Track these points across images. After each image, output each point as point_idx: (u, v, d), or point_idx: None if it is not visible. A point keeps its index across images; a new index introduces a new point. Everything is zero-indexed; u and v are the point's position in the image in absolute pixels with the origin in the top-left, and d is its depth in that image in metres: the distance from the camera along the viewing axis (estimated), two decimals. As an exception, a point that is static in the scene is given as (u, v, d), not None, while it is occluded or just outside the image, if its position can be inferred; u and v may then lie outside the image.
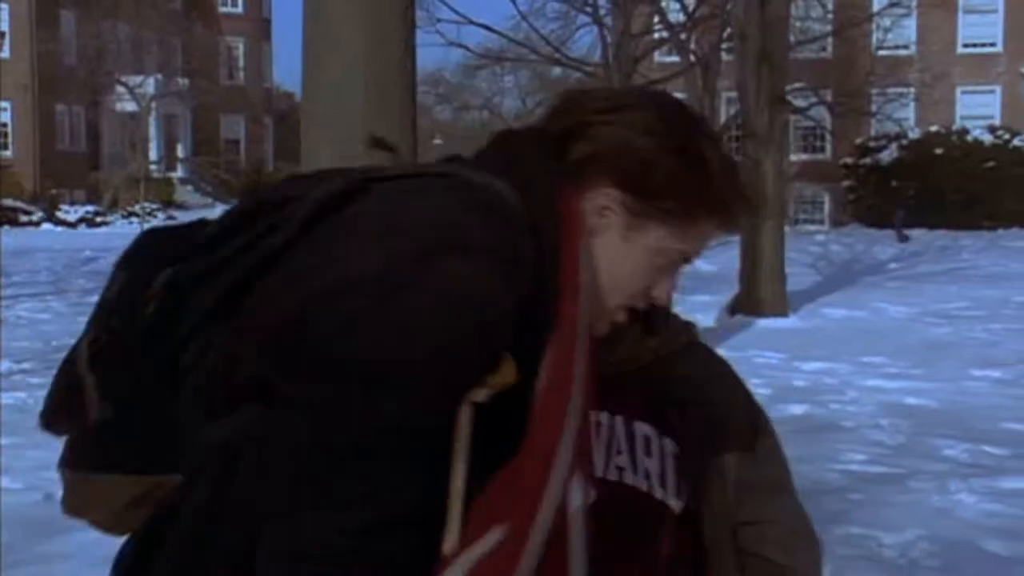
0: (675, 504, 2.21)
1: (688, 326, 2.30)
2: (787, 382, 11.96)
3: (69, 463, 1.68)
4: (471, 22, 35.09)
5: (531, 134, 1.75)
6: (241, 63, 72.45)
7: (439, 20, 35.62)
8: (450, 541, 1.56)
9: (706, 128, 1.80)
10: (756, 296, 17.39)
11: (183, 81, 63.79)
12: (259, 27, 73.51)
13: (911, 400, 11.04)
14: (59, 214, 51.91)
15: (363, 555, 1.49)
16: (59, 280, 23.35)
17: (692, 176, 1.72)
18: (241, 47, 72.27)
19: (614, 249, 1.74)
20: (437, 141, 75.99)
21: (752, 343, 14.63)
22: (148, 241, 1.74)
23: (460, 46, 37.68)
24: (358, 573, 1.49)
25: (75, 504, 1.71)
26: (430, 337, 1.48)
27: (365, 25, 6.71)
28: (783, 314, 17.46)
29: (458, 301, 1.50)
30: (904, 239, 38.18)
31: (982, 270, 26.32)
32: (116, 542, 1.68)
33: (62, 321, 16.93)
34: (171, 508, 1.61)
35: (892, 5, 40.92)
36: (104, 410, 1.63)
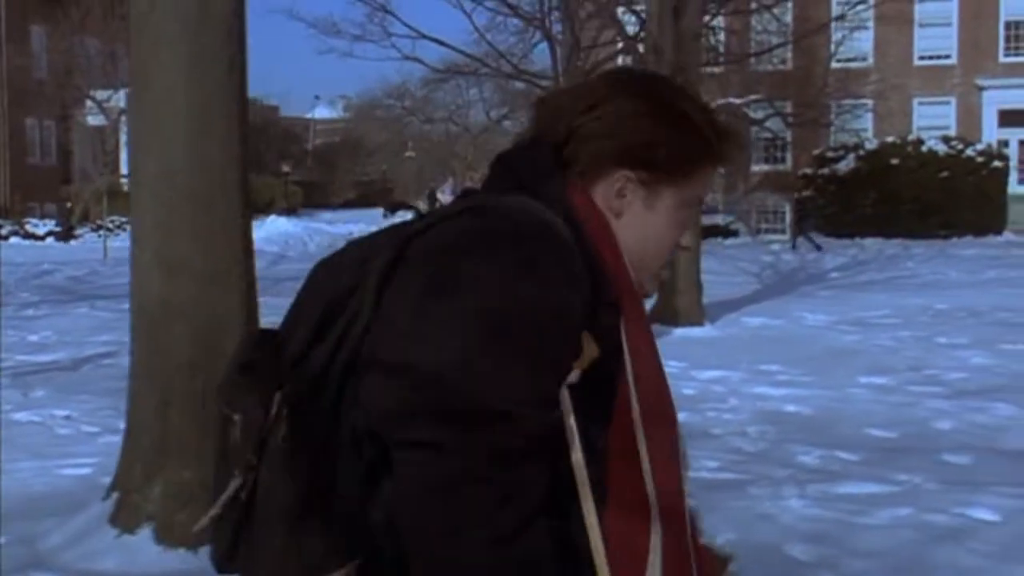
0: None
1: None
2: (678, 391, 11.99)
3: None
4: (423, 36, 35.15)
5: (530, 150, 1.98)
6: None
7: (391, 35, 35.64)
8: (589, 510, 1.81)
9: (676, 86, 2.04)
10: (672, 306, 17.59)
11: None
12: (233, 42, 73.53)
13: (790, 407, 11.25)
14: (28, 227, 51.94)
15: (519, 554, 1.70)
16: (7, 293, 23.44)
17: (686, 136, 1.95)
18: (212, 60, 72.20)
19: (643, 220, 1.97)
20: (409, 154, 76.22)
21: (662, 353, 14.76)
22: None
23: (415, 60, 37.67)
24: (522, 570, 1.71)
25: None
26: (522, 370, 1.72)
27: (187, 45, 6.89)
28: (699, 323, 17.66)
29: (532, 326, 1.73)
30: (818, 248, 38.82)
31: (920, 279, 26.49)
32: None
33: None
34: None
35: (838, 19, 41.21)
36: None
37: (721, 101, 41.02)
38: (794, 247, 40.35)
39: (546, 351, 1.74)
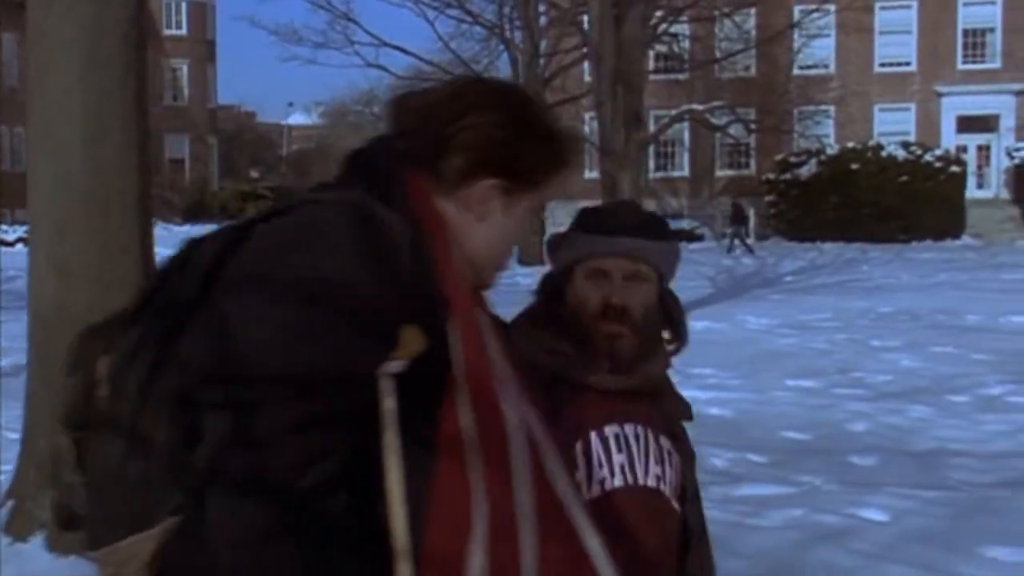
0: (679, 511, 2.50)
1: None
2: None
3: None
4: (384, 44, 35.35)
5: (381, 151, 2.06)
6: (185, 84, 72.59)
7: (353, 43, 35.77)
8: (395, 492, 1.88)
9: (530, 96, 2.15)
10: (613, 309, 17.75)
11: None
12: (203, 49, 73.77)
13: (713, 410, 11.30)
14: (-1, 234, 51.87)
15: (301, 518, 1.82)
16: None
17: (544, 146, 2.07)
18: (185, 68, 72.52)
19: (500, 224, 2.07)
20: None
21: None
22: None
23: (379, 67, 37.83)
24: (296, 531, 1.82)
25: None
26: (305, 340, 1.81)
27: (83, 50, 6.95)
28: (641, 328, 17.78)
29: (318, 297, 1.82)
30: (750, 251, 39.36)
31: (872, 282, 26.73)
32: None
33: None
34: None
35: (795, 26, 41.57)
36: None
37: (684, 107, 41.30)
38: (730, 250, 40.82)
39: (353, 330, 1.84)
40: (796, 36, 45.70)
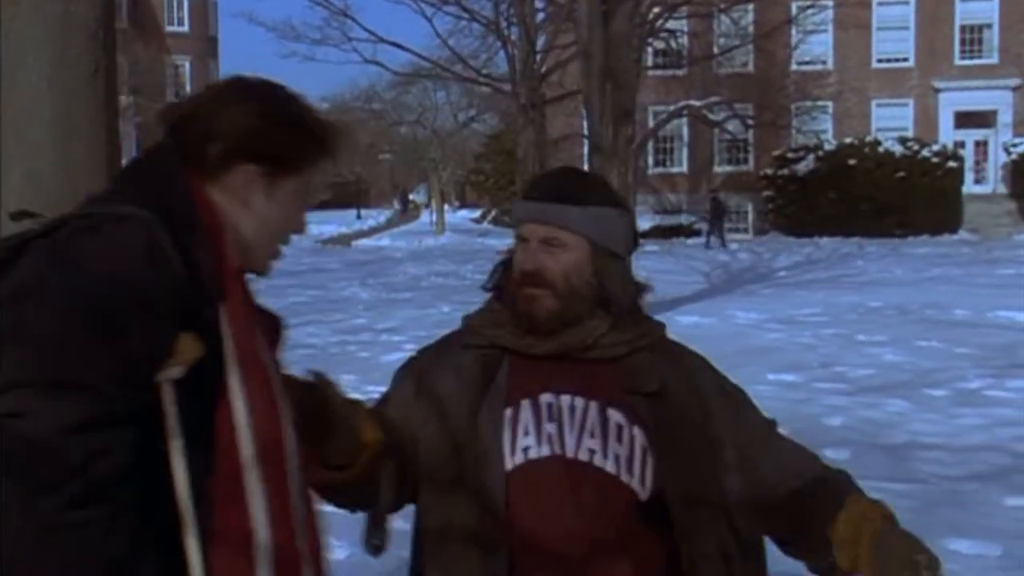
0: (640, 490, 2.47)
1: (660, 326, 2.67)
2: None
3: None
4: (382, 40, 35.37)
5: (154, 158, 2.20)
6: (188, 80, 72.78)
7: (351, 39, 35.84)
8: (181, 485, 1.98)
9: (288, 92, 2.28)
10: (601, 305, 17.81)
11: (128, 99, 64.07)
12: (205, 46, 73.97)
13: (692, 404, 11.40)
14: None
15: (73, 526, 1.85)
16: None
17: (298, 136, 2.22)
18: (187, 65, 72.70)
19: (265, 208, 2.21)
20: (384, 155, 76.41)
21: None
22: None
23: (376, 64, 37.88)
24: (71, 540, 1.85)
25: None
26: (100, 349, 1.89)
27: (51, 50, 7.04)
28: (627, 322, 17.85)
29: (91, 307, 1.91)
30: (724, 245, 39.74)
31: (865, 276, 26.75)
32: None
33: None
34: None
35: (791, 21, 41.67)
36: None
37: (682, 103, 41.40)
38: (708, 246, 41.03)
39: (126, 335, 1.93)
40: (794, 32, 45.86)
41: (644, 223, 45.85)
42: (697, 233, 46.10)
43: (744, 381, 9.29)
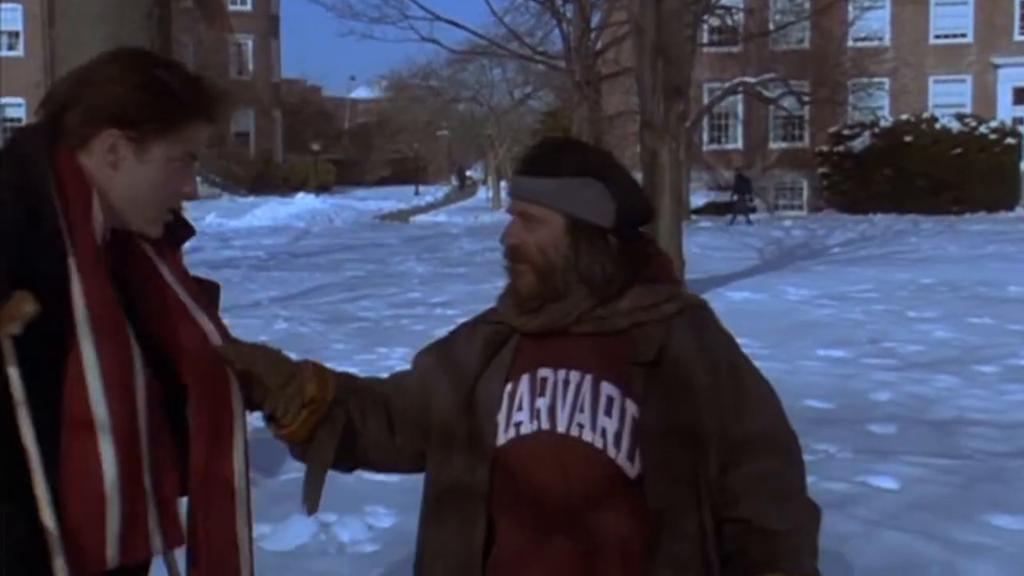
0: (628, 467, 2.42)
1: (678, 299, 2.54)
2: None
3: None
4: (437, 18, 35.46)
5: (28, 128, 2.36)
6: (250, 59, 73.19)
7: (408, 17, 35.95)
8: (28, 440, 2.12)
9: (162, 62, 2.38)
10: (652, 281, 17.84)
11: (194, 77, 64.64)
12: (267, 24, 74.38)
13: (739, 379, 11.43)
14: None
15: None
16: None
17: (160, 100, 2.30)
18: (250, 43, 73.11)
19: (136, 171, 2.31)
20: (442, 132, 76.58)
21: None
22: None
23: (433, 41, 37.98)
24: None
25: None
26: None
27: (107, 27, 7.18)
28: (677, 298, 17.88)
29: None
30: (748, 222, 39.63)
31: (918, 253, 26.62)
32: None
33: None
34: None
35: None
36: None
37: (737, 79, 41.22)
38: (732, 222, 40.83)
39: None
40: (850, 7, 45.53)
41: (698, 199, 45.80)
42: (752, 210, 45.96)
43: (793, 356, 9.38)
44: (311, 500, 2.59)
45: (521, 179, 2.58)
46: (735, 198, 42.95)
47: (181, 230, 2.52)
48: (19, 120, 62.00)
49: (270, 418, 2.55)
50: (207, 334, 2.40)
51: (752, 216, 42.11)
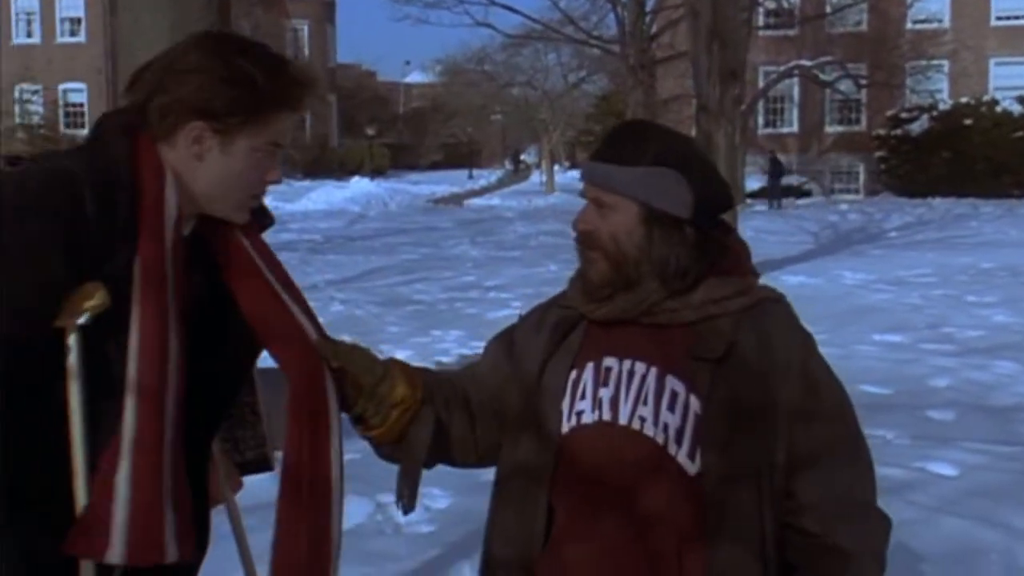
0: (688, 465, 2.36)
1: (752, 293, 2.48)
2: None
3: None
4: (492, 2, 35.53)
5: (110, 116, 2.38)
6: (306, 44, 73.57)
7: (462, 1, 36.01)
8: (76, 432, 2.16)
9: (246, 47, 2.35)
10: (707, 265, 17.81)
11: (250, 63, 65.08)
12: (323, 10, 74.79)
13: (794, 364, 11.35)
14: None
15: None
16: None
17: (244, 93, 2.29)
18: (305, 28, 73.51)
19: (221, 162, 2.32)
20: (496, 116, 76.63)
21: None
22: None
23: (487, 26, 38.01)
24: None
25: None
26: None
27: (168, 13, 7.24)
28: (733, 282, 17.83)
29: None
30: (779, 206, 39.52)
31: (979, 238, 26.36)
32: None
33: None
34: None
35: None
36: None
37: (793, 63, 40.94)
38: (770, 207, 40.50)
39: (12, 274, 2.11)
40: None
41: (753, 183, 45.51)
42: (808, 194, 45.59)
43: (848, 341, 9.29)
44: (408, 498, 2.60)
45: (595, 164, 2.51)
46: (770, 183, 42.66)
47: (263, 218, 2.55)
48: (81, 105, 63.03)
49: (358, 419, 2.56)
50: (304, 328, 2.42)
51: (784, 200, 41.78)
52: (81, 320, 2.14)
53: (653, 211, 2.44)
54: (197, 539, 2.32)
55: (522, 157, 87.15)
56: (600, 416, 2.44)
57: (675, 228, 2.45)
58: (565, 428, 2.48)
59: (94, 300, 2.14)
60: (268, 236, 2.58)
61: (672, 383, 2.39)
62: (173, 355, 2.21)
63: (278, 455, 2.57)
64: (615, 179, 2.46)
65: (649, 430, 2.37)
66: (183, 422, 2.25)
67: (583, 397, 2.47)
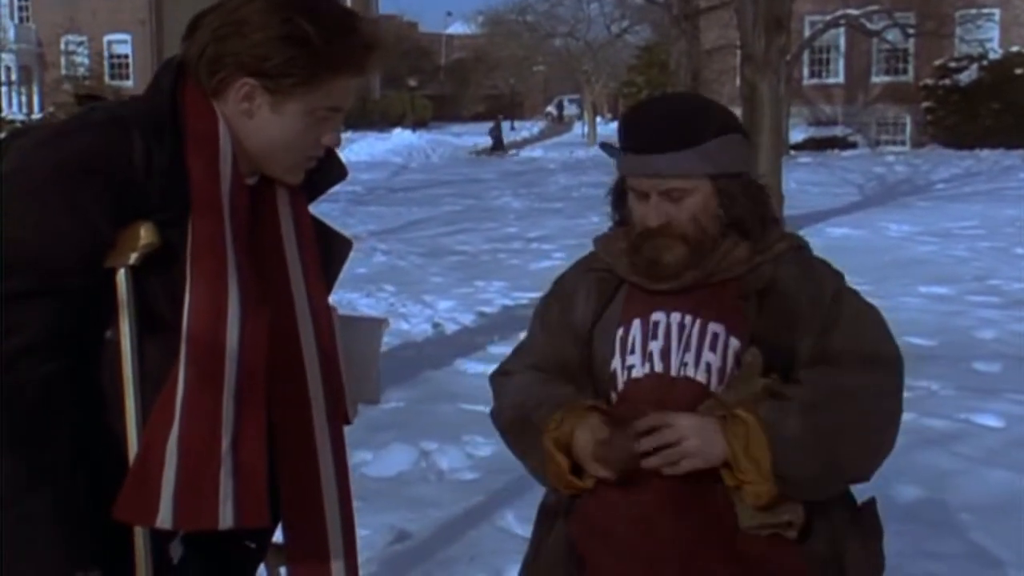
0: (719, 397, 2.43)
1: (788, 238, 2.60)
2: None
3: None
4: (535, -50, 35.21)
5: (165, 65, 2.31)
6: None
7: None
8: (127, 371, 2.15)
9: (309, 4, 2.22)
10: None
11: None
12: (366, -38, 74.75)
13: (838, 315, 11.30)
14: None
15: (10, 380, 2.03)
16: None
17: (301, 54, 2.19)
18: (348, -10, 73.55)
19: (272, 122, 2.24)
20: (538, 67, 76.36)
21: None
22: None
23: (529, -26, 37.74)
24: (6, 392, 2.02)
25: None
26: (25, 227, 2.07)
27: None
28: (776, 233, 17.72)
29: (38, 190, 2.09)
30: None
31: (1027, 190, 26.13)
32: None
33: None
34: None
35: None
36: None
37: (839, 12, 40.49)
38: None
39: (63, 220, 2.07)
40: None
41: (798, 135, 45.15)
42: (853, 145, 45.16)
43: (894, 293, 9.22)
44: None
45: (653, 157, 2.53)
46: None
47: (334, 170, 2.49)
48: (125, 56, 63.42)
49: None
50: (296, 320, 2.34)
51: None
52: (131, 261, 2.13)
53: (721, 178, 2.52)
54: (271, 507, 2.23)
55: (565, 104, 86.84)
56: (652, 367, 2.51)
57: (739, 183, 2.55)
58: (620, 385, 2.54)
59: (143, 239, 2.12)
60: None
61: (714, 327, 2.48)
62: (234, 315, 2.16)
63: (360, 407, 2.54)
64: (683, 164, 2.50)
65: (691, 371, 2.46)
66: (259, 382, 2.19)
67: (632, 352, 2.54)
